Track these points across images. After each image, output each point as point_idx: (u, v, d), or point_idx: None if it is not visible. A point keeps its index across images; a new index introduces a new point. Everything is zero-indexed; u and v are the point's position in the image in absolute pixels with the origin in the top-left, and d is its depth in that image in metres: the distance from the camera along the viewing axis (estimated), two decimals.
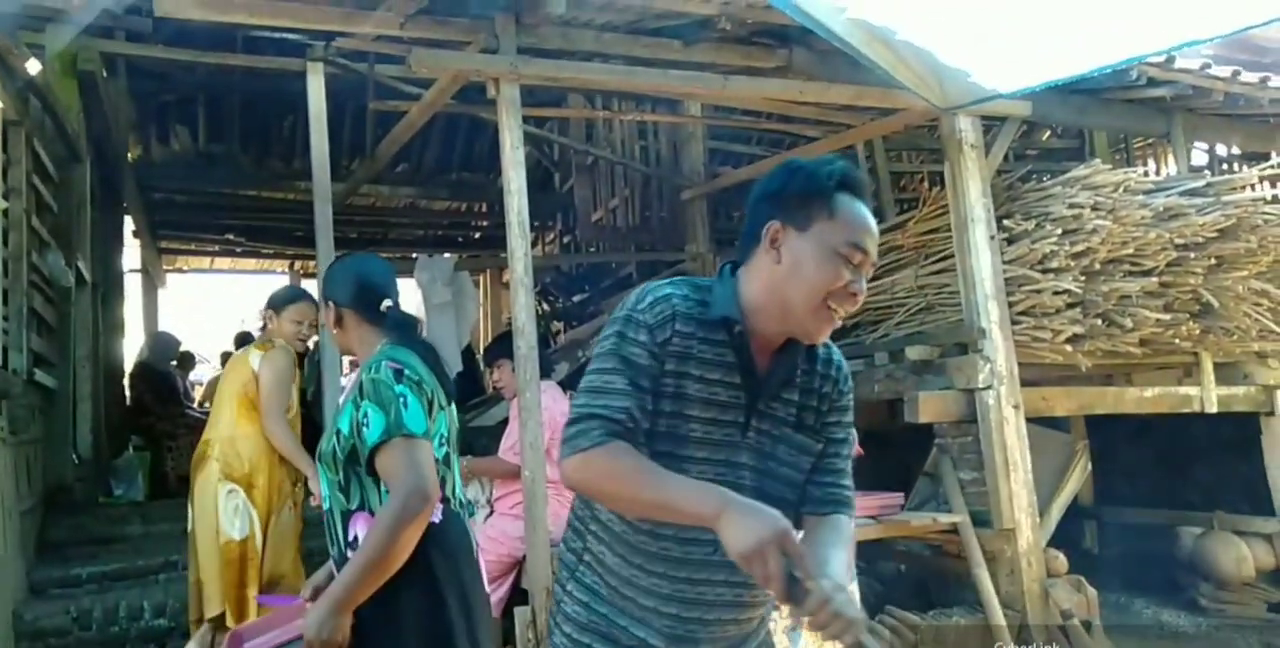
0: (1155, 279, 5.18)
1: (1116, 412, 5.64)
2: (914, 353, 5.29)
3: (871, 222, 1.63)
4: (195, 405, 8.66)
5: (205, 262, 12.14)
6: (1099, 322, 5.09)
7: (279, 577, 4.02)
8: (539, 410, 4.13)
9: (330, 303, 2.39)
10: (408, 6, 4.35)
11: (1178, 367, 5.86)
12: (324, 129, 4.82)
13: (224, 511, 3.89)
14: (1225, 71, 5.58)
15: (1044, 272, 5.05)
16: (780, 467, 1.70)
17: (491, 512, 4.60)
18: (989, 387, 4.99)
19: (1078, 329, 5.05)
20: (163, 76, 7.35)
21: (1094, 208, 5.05)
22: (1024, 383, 5.12)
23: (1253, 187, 7.06)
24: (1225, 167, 8.54)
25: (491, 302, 11.45)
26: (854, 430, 1.82)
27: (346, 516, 2.16)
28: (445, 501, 2.20)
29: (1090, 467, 5.94)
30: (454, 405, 2.34)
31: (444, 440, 2.24)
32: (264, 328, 4.28)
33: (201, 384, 10.58)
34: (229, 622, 3.85)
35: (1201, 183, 5.62)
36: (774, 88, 5.17)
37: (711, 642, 1.70)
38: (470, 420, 6.48)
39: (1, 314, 4.53)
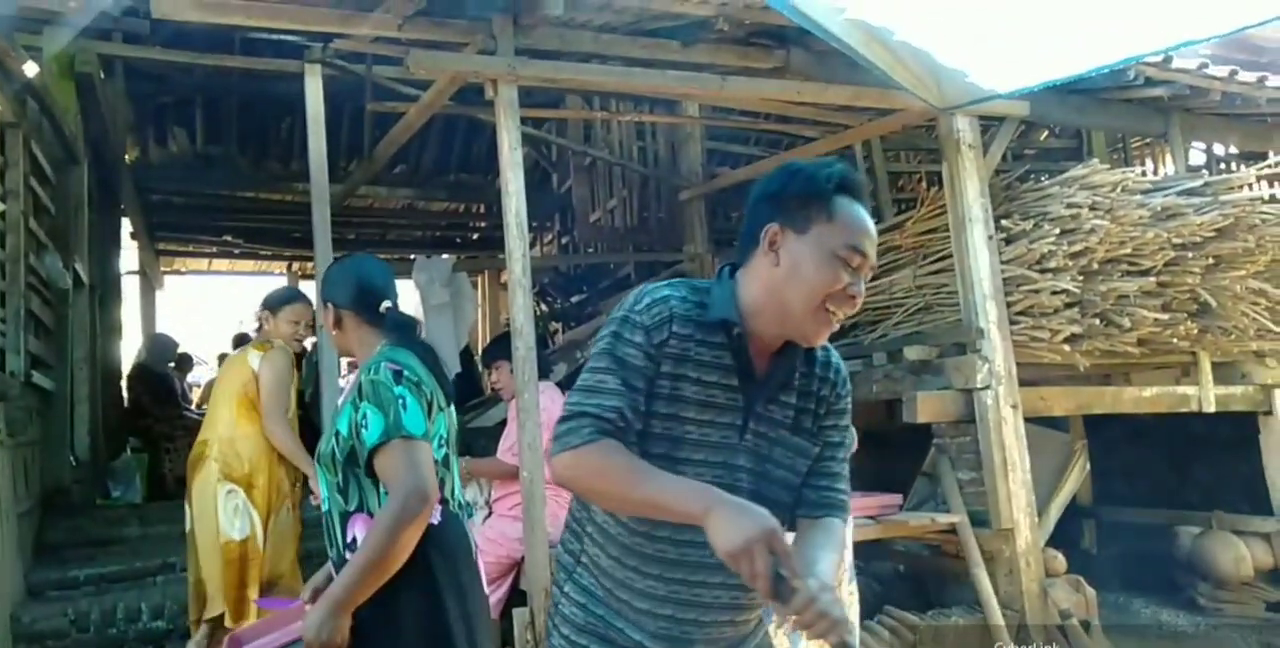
0: (1153, 279, 5.19)
1: (1115, 411, 5.65)
2: (912, 353, 5.29)
3: (870, 224, 1.63)
4: (193, 407, 8.65)
5: (203, 263, 12.12)
6: (1097, 321, 5.09)
7: (277, 577, 4.03)
8: (537, 411, 4.12)
9: (329, 305, 2.39)
10: (405, 8, 4.35)
11: (1176, 366, 5.87)
12: (322, 130, 4.81)
13: (224, 511, 3.90)
14: (1222, 71, 5.58)
15: (1042, 271, 5.06)
16: (777, 469, 1.70)
17: (490, 513, 4.60)
18: (987, 387, 5.00)
19: (1076, 329, 5.05)
20: (160, 78, 7.34)
21: (1092, 208, 5.06)
22: (1022, 383, 5.13)
23: (1250, 186, 7.07)
24: (1223, 166, 8.56)
25: (489, 303, 11.44)
26: (853, 430, 1.81)
27: (345, 517, 2.15)
28: (444, 502, 2.20)
29: (1089, 466, 5.95)
30: (453, 407, 2.34)
31: (443, 442, 2.23)
32: (259, 329, 4.28)
33: (199, 386, 10.58)
34: (228, 622, 3.86)
35: (1199, 182, 5.62)
36: (772, 88, 5.17)
37: (708, 643, 1.70)
38: (468, 422, 6.48)
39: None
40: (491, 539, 4.29)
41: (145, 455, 7.44)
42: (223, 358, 8.56)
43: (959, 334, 5.18)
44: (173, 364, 8.47)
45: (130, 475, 6.97)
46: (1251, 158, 7.90)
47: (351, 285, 2.37)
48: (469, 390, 7.42)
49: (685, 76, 4.96)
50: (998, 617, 4.73)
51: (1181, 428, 6.26)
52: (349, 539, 2.13)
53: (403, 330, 2.34)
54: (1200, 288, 5.32)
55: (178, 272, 12.22)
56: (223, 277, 12.88)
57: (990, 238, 5.14)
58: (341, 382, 4.78)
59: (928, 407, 5.09)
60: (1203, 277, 5.32)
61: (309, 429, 4.57)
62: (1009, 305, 5.12)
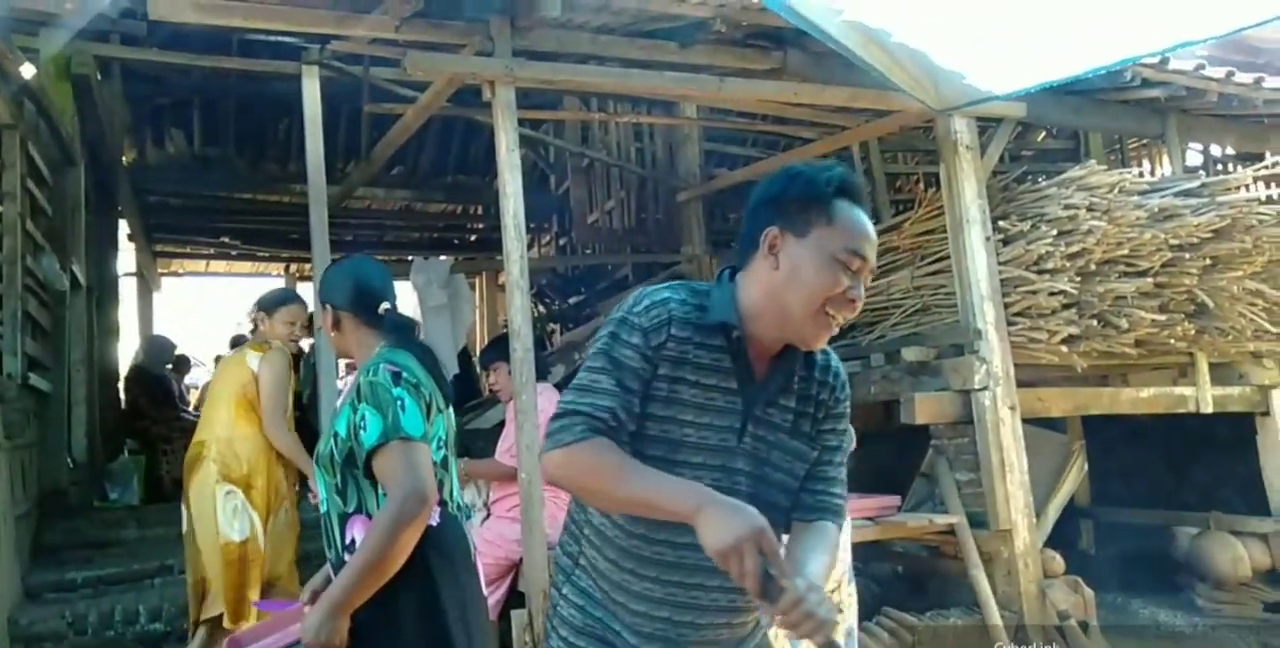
0: (1150, 280, 5.20)
1: (1112, 412, 5.65)
2: (910, 354, 5.29)
3: (870, 228, 1.63)
4: (191, 409, 8.64)
5: (200, 265, 12.11)
6: (1094, 322, 5.10)
7: (275, 579, 4.03)
8: (535, 413, 4.12)
9: (328, 306, 2.39)
10: (403, 9, 4.35)
11: (1173, 367, 5.87)
12: (319, 132, 4.81)
13: (223, 512, 3.89)
14: (1219, 72, 5.59)
15: (1039, 273, 5.06)
16: (776, 473, 1.69)
17: (488, 515, 4.60)
18: (985, 388, 5.00)
19: (1073, 330, 5.06)
20: (157, 80, 7.33)
21: (1089, 209, 5.07)
22: (1020, 384, 5.13)
23: (1247, 187, 7.07)
24: (1220, 167, 8.56)
25: (487, 304, 11.43)
26: (851, 430, 1.81)
27: (344, 518, 2.15)
28: (443, 503, 2.20)
29: (1086, 467, 5.95)
30: (451, 408, 2.34)
31: (442, 443, 2.23)
32: (254, 330, 4.28)
33: (197, 387, 10.56)
34: (226, 623, 3.85)
35: (1196, 183, 5.63)
36: (769, 90, 5.18)
37: (704, 644, 1.70)
38: (466, 423, 6.47)
39: None
40: (490, 541, 4.29)
41: (143, 457, 7.43)
42: (218, 360, 8.55)
43: (957, 335, 5.19)
44: (170, 366, 8.46)
45: (128, 477, 6.96)
46: (1248, 159, 7.90)
47: (350, 287, 2.37)
48: (467, 392, 7.42)
49: (683, 78, 4.96)
50: (996, 618, 4.74)
51: (1179, 429, 6.27)
52: (348, 541, 2.13)
53: (401, 332, 2.34)
54: (1197, 289, 5.33)
55: (175, 273, 12.21)
56: (220, 278, 12.87)
57: (988, 239, 5.14)
58: (339, 383, 4.78)
59: (925, 408, 5.09)
60: (1200, 278, 5.33)
61: (307, 431, 4.57)
62: (1006, 306, 5.13)
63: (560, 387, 5.04)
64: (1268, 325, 5.66)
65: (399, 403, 2.08)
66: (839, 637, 1.39)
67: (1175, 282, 5.27)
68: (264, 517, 3.97)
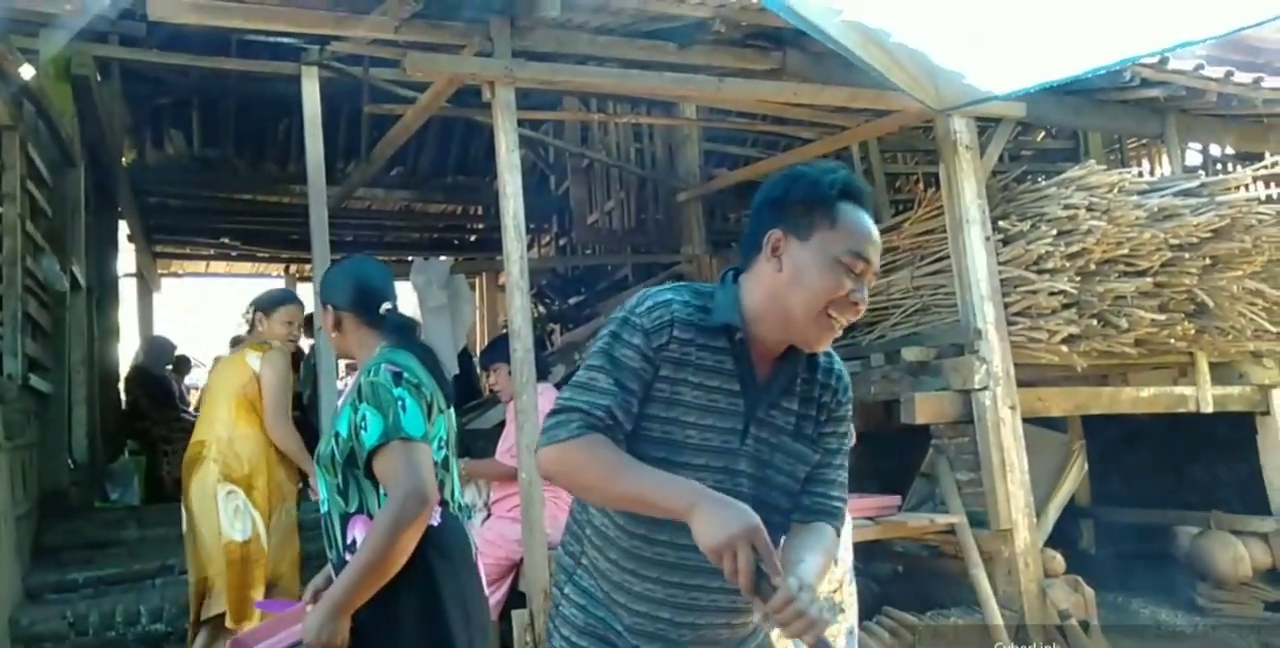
0: (1150, 279, 5.20)
1: (1112, 412, 5.65)
2: (910, 354, 5.29)
3: (874, 230, 1.63)
4: (191, 409, 8.64)
5: (200, 266, 12.11)
6: (1094, 322, 5.10)
7: (278, 578, 4.03)
8: (536, 413, 4.12)
9: (329, 307, 2.39)
10: (402, 10, 4.35)
11: (1173, 367, 5.87)
12: (319, 133, 4.81)
13: (224, 512, 3.90)
14: (1218, 72, 5.59)
15: (1039, 272, 5.06)
16: (778, 475, 1.69)
17: (489, 515, 4.60)
18: (985, 387, 5.00)
19: (1073, 330, 5.06)
20: (157, 81, 7.34)
21: (1089, 208, 5.07)
22: (1020, 383, 5.13)
23: (1247, 187, 7.07)
24: (1219, 167, 8.56)
25: (487, 304, 11.44)
26: (852, 428, 1.81)
27: (345, 518, 2.15)
28: (444, 504, 2.20)
29: (1087, 467, 5.95)
30: (452, 409, 2.34)
31: (443, 444, 2.23)
32: (251, 330, 4.28)
33: (197, 388, 10.56)
34: (229, 623, 3.86)
35: (1196, 183, 5.63)
36: (768, 90, 5.18)
37: (703, 644, 1.70)
38: (467, 423, 6.47)
39: None
40: (490, 541, 4.29)
41: (143, 458, 7.44)
42: (216, 360, 8.55)
43: (957, 335, 5.19)
44: (170, 367, 8.47)
45: (128, 478, 6.96)
46: (1248, 158, 7.91)
47: (351, 287, 2.37)
48: (467, 392, 7.42)
49: (682, 78, 4.96)
50: (996, 617, 4.74)
51: (1179, 428, 6.27)
52: (349, 541, 2.13)
53: (402, 332, 2.34)
54: (1197, 288, 5.33)
55: (175, 274, 12.21)
56: (220, 279, 12.87)
57: (987, 239, 5.14)
58: (340, 384, 4.78)
59: (926, 408, 5.09)
60: (1200, 277, 5.33)
61: (308, 431, 4.58)
62: (1006, 306, 5.13)
63: (560, 387, 5.05)
64: (1267, 325, 5.65)
65: (400, 403, 2.08)
66: (841, 637, 1.40)
67: (1175, 281, 5.27)
68: (266, 517, 3.98)
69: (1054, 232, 5.01)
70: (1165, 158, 7.07)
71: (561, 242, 10.33)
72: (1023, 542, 4.96)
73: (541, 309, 9.46)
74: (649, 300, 1.65)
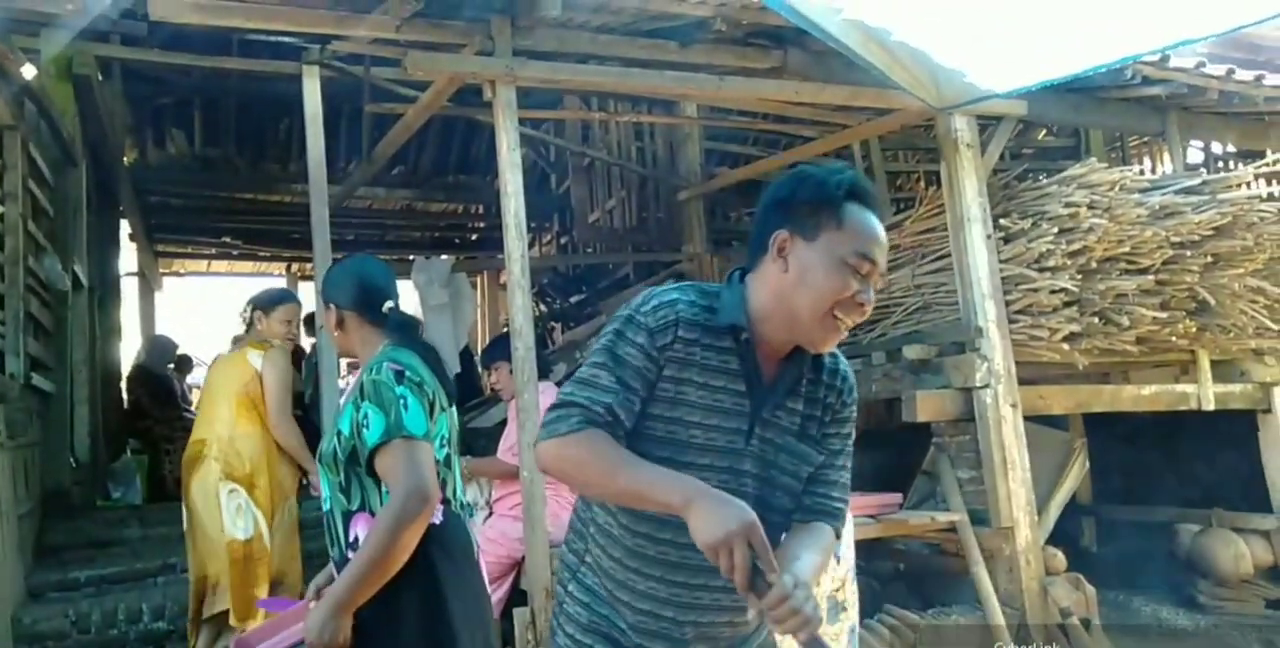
0: (1151, 277, 5.19)
1: (1114, 410, 5.65)
2: (911, 352, 5.29)
3: (881, 232, 1.62)
4: (193, 408, 8.65)
5: (202, 265, 12.13)
6: (1096, 320, 5.09)
7: (283, 575, 4.05)
8: (537, 412, 4.12)
9: (331, 305, 2.39)
10: (403, 9, 4.35)
11: (1174, 364, 5.87)
12: (320, 132, 4.81)
13: (226, 511, 3.91)
14: (1220, 70, 5.59)
15: (1040, 270, 5.06)
16: (782, 476, 1.69)
17: (490, 513, 4.61)
18: (986, 385, 5.00)
19: (1074, 327, 5.06)
20: (158, 80, 7.34)
21: (1090, 206, 5.06)
22: (1021, 381, 5.13)
23: (1248, 184, 7.08)
24: (1220, 164, 8.57)
25: (489, 303, 11.46)
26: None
27: (348, 516, 2.16)
28: (446, 502, 2.20)
29: (1088, 465, 5.95)
30: (454, 407, 2.34)
31: (445, 442, 2.24)
32: (249, 328, 4.29)
33: (199, 387, 10.56)
34: (232, 621, 3.87)
35: (1197, 181, 5.62)
36: (769, 88, 5.18)
37: (705, 641, 1.71)
38: (468, 422, 6.48)
39: None
40: (492, 539, 4.30)
41: (145, 457, 7.45)
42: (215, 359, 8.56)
43: (958, 333, 5.19)
44: (172, 366, 8.47)
45: (130, 477, 6.98)
46: (1249, 156, 7.90)
47: (353, 286, 2.37)
48: (468, 391, 7.43)
49: (683, 77, 4.96)
50: (998, 615, 4.74)
51: (1180, 426, 6.26)
52: (351, 538, 2.14)
53: (405, 330, 2.34)
54: (1199, 286, 5.32)
55: (177, 273, 12.22)
56: (222, 278, 12.87)
57: (989, 237, 5.14)
58: (341, 383, 4.79)
59: (927, 406, 5.09)
60: (1201, 275, 5.32)
61: (310, 429, 4.59)
62: (1008, 304, 5.13)
63: (562, 385, 5.05)
64: (1269, 323, 5.65)
65: (402, 401, 2.08)
66: (843, 635, 1.41)
67: (1176, 279, 5.27)
68: (268, 515, 3.99)
69: (1055, 229, 5.01)
70: (1166, 156, 7.07)
71: (563, 240, 10.34)
72: (1024, 540, 4.96)
73: (543, 308, 9.47)
74: (654, 299, 1.64)
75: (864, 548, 4.65)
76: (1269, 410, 5.97)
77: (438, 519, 2.12)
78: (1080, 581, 5.05)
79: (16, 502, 4.63)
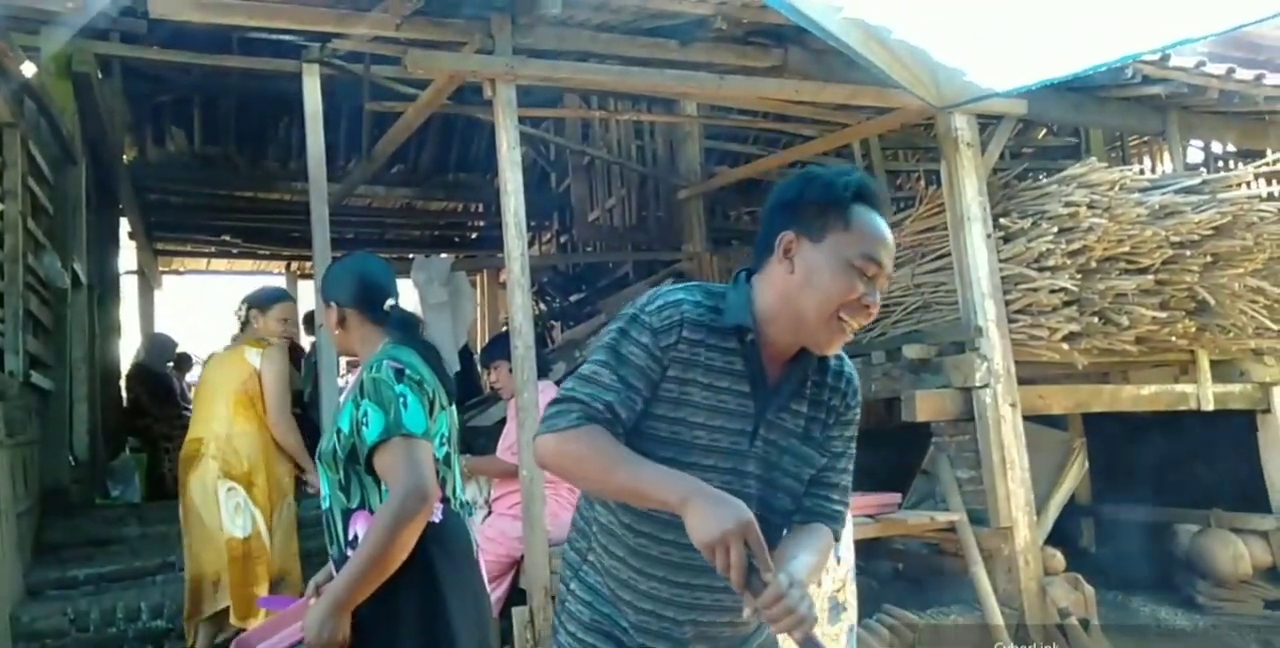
0: (1151, 277, 5.19)
1: (1113, 409, 5.65)
2: (911, 351, 5.29)
3: (887, 234, 1.61)
4: (192, 407, 8.64)
5: (201, 263, 12.11)
6: (1095, 319, 5.09)
7: (284, 573, 4.06)
8: (537, 410, 4.12)
9: (333, 303, 2.38)
10: (403, 8, 4.35)
11: (1174, 364, 5.87)
12: (320, 130, 4.81)
13: (225, 509, 3.91)
14: (1220, 69, 5.59)
15: (1040, 270, 5.06)
16: (784, 477, 1.69)
17: (489, 512, 4.61)
18: (986, 385, 5.00)
19: (1074, 327, 5.06)
20: (158, 78, 7.34)
21: (1090, 206, 5.06)
22: (1021, 381, 5.13)
23: (1248, 184, 7.08)
24: (1220, 164, 8.57)
25: (488, 302, 11.44)
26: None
27: (347, 514, 2.16)
28: (445, 500, 2.20)
29: (1087, 465, 5.95)
30: (454, 405, 2.34)
31: (445, 440, 2.23)
32: (244, 327, 4.29)
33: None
34: (233, 619, 3.88)
35: (1197, 180, 5.62)
36: (770, 87, 5.18)
37: (705, 641, 1.71)
38: (468, 420, 6.48)
39: None
40: (491, 538, 4.30)
41: (144, 455, 7.45)
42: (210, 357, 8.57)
43: (957, 333, 5.19)
44: (171, 364, 8.46)
45: (129, 475, 6.97)
46: (1249, 156, 7.90)
47: (354, 283, 2.37)
48: (468, 389, 7.43)
49: (683, 75, 4.96)
50: (996, 615, 4.74)
51: (1180, 426, 6.27)
52: (351, 536, 2.14)
53: (406, 328, 2.34)
54: (1198, 286, 5.32)
55: (176, 271, 12.20)
56: (221, 276, 12.85)
57: (988, 236, 5.14)
58: (340, 381, 4.79)
59: (926, 405, 5.09)
60: (1201, 275, 5.32)
61: (309, 428, 4.59)
62: (1007, 304, 5.13)
63: (561, 384, 5.04)
64: (1268, 323, 5.65)
65: (401, 400, 2.08)
66: (842, 635, 1.41)
67: (1176, 279, 5.27)
68: (267, 513, 3.99)
69: (1055, 229, 5.01)
70: (1166, 155, 7.07)
71: (562, 239, 10.34)
72: (1023, 540, 4.96)
73: (542, 307, 9.47)
74: (660, 299, 1.64)
75: (863, 548, 4.65)
76: (1268, 411, 5.97)
77: (437, 518, 2.12)
78: (1079, 581, 5.05)
79: (15, 500, 4.63)
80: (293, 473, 4.20)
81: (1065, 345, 5.09)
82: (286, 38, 5.13)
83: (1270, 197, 6.62)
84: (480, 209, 10.73)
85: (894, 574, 5.68)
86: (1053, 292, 5.04)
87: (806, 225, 1.60)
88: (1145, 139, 9.09)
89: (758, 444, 1.65)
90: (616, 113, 7.44)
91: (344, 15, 4.40)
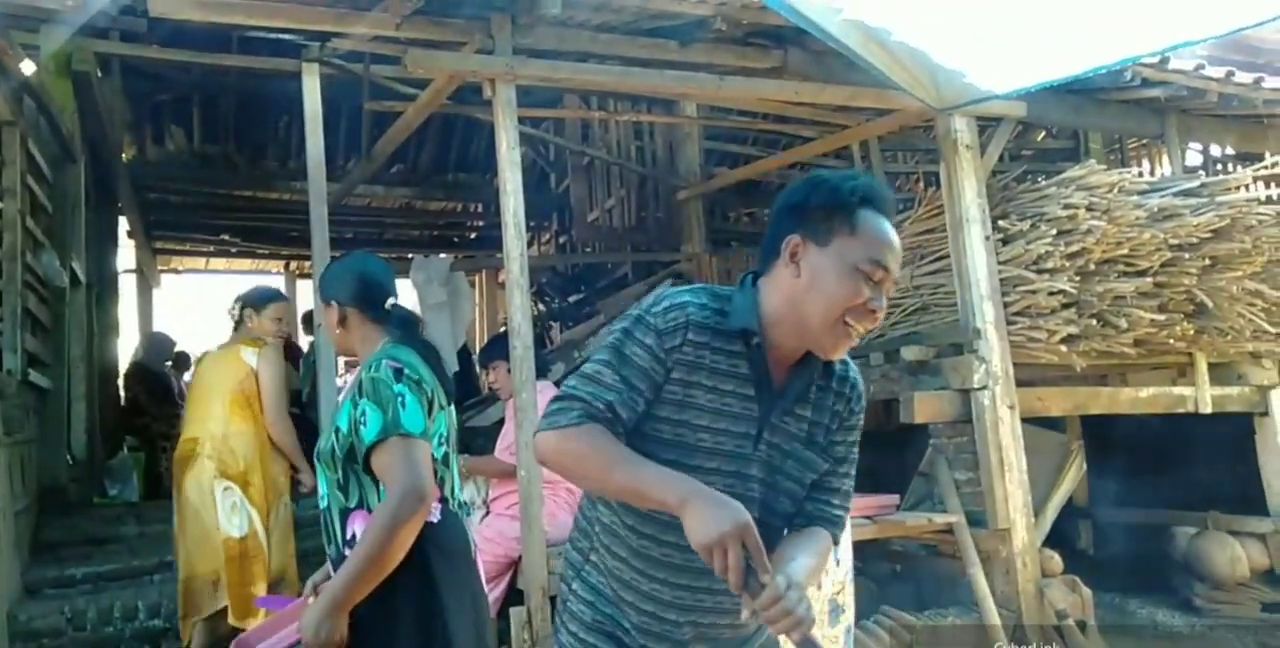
0: (1150, 280, 5.20)
1: (1111, 412, 5.65)
2: (910, 353, 5.30)
3: (894, 238, 1.60)
4: (186, 406, 8.63)
5: (200, 262, 12.09)
6: (1094, 322, 5.10)
7: (283, 572, 4.05)
8: (535, 411, 4.12)
9: (333, 302, 2.38)
10: (403, 7, 4.35)
11: (1172, 367, 5.88)
12: (319, 129, 4.81)
13: (221, 508, 3.91)
14: (1219, 72, 5.59)
15: (1039, 272, 5.06)
16: (786, 481, 1.69)
17: (487, 512, 4.60)
18: (984, 387, 5.00)
19: (1073, 329, 5.06)
20: (158, 77, 7.34)
21: (1089, 208, 5.07)
22: (1019, 383, 5.14)
23: (1247, 187, 7.07)
24: (1219, 167, 8.56)
25: (487, 302, 11.43)
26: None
27: (345, 514, 2.15)
28: (444, 500, 2.20)
29: (1085, 467, 5.95)
30: (453, 405, 2.34)
31: (443, 440, 2.23)
32: (238, 326, 4.29)
33: None
34: (231, 619, 3.87)
35: (1196, 183, 5.63)
36: (769, 88, 5.18)
37: (705, 641, 1.71)
38: (467, 420, 6.48)
39: None
40: (489, 538, 4.29)
41: (142, 454, 7.44)
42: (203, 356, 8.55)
43: (956, 334, 5.19)
44: (170, 363, 8.45)
45: (127, 474, 6.96)
46: (1248, 159, 7.91)
47: (355, 282, 2.36)
48: (467, 389, 7.43)
49: (683, 76, 4.96)
50: (994, 617, 4.74)
51: (1178, 429, 6.27)
52: (349, 536, 2.14)
53: (406, 327, 2.34)
54: (1197, 289, 5.33)
55: (175, 270, 12.18)
56: (220, 275, 12.83)
57: (987, 238, 5.14)
58: (339, 381, 4.79)
59: (925, 407, 5.10)
60: (1199, 277, 5.33)
61: (308, 428, 4.59)
62: (1006, 306, 5.13)
63: (559, 385, 5.04)
64: (1266, 326, 5.66)
65: (400, 399, 2.08)
66: (841, 636, 1.41)
67: (1174, 281, 5.28)
68: (263, 513, 3.99)
69: (1054, 231, 5.02)
70: (1165, 158, 7.07)
71: (561, 239, 10.34)
72: (1021, 542, 4.96)
73: (541, 307, 9.46)
74: (665, 301, 1.64)
75: (861, 549, 4.65)
76: (1266, 414, 5.98)
77: (435, 518, 2.12)
78: (1076, 583, 5.05)
79: (13, 498, 4.62)
80: (288, 473, 4.20)
81: (1064, 348, 5.10)
82: (286, 37, 5.13)
83: (1269, 200, 6.64)
84: (480, 209, 10.72)
85: (892, 576, 5.68)
86: (1051, 294, 5.04)
87: (813, 229, 1.59)
88: (1144, 142, 9.09)
89: (761, 448, 1.65)
90: (616, 113, 7.44)
91: (344, 14, 4.40)
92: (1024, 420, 5.13)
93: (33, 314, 5.24)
